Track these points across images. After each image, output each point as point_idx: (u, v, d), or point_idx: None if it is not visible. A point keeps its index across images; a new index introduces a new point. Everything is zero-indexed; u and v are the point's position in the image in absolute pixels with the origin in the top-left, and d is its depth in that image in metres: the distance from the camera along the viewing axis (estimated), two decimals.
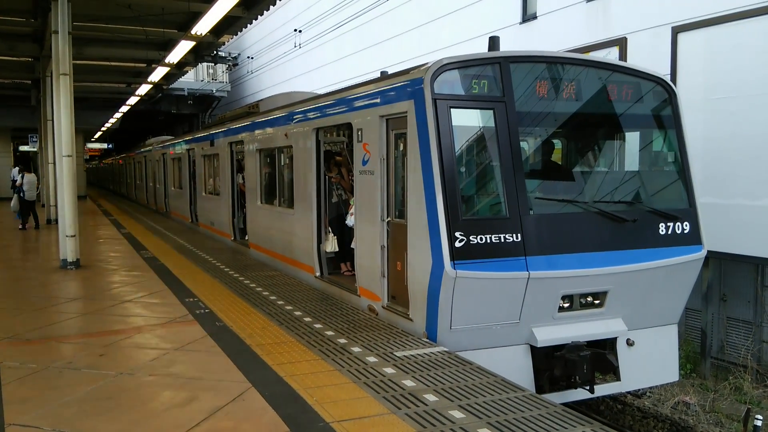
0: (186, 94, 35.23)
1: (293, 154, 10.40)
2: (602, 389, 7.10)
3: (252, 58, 32.38)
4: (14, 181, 19.78)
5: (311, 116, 9.63)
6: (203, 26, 14.39)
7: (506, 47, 7.55)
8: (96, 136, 46.75)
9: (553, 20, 14.09)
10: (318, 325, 7.12)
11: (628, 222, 6.87)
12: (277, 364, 5.72)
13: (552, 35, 13.81)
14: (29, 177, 18.94)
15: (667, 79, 7.61)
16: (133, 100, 28.34)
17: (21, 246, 15.44)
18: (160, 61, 19.44)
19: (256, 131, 12.51)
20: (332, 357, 5.95)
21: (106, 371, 5.66)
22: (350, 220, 8.60)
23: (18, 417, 4.62)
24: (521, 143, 6.72)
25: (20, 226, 18.52)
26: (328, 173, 9.73)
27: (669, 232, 7.12)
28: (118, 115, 33.59)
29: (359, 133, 7.96)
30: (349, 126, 8.43)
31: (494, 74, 6.57)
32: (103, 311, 8.10)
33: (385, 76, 8.10)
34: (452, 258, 6.12)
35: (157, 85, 24.79)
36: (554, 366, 6.70)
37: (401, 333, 6.81)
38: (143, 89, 25.26)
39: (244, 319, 7.44)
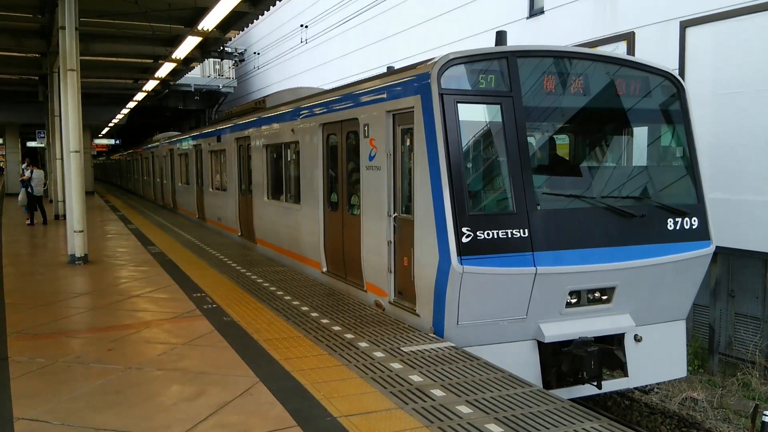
0: (193, 90, 35.26)
1: (300, 149, 10.41)
2: (610, 385, 7.09)
3: (258, 53, 32.37)
4: (22, 176, 19.77)
5: (318, 112, 9.62)
6: (210, 22, 14.40)
7: (513, 42, 7.51)
8: (103, 131, 46.96)
9: (560, 15, 14.02)
10: (325, 321, 7.13)
11: (636, 217, 6.84)
12: (284, 359, 5.74)
13: (559, 30, 13.75)
14: (38, 172, 19.00)
15: (675, 73, 7.57)
16: (140, 96, 28.41)
17: (29, 241, 15.50)
18: (166, 57, 19.48)
19: (263, 127, 12.51)
20: (339, 352, 5.97)
21: (114, 366, 5.69)
22: None
23: (26, 411, 4.65)
24: (528, 138, 6.70)
25: (28, 221, 18.60)
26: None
27: (677, 228, 7.09)
28: (125, 111, 33.69)
29: (366, 128, 7.94)
30: (355, 121, 8.43)
31: (501, 69, 6.54)
32: (111, 306, 8.13)
33: (391, 71, 8.07)
34: (459, 253, 6.11)
35: (163, 81, 24.83)
36: (561, 362, 6.69)
37: (408, 328, 6.81)
38: (150, 85, 25.32)
39: (252, 314, 7.46)
